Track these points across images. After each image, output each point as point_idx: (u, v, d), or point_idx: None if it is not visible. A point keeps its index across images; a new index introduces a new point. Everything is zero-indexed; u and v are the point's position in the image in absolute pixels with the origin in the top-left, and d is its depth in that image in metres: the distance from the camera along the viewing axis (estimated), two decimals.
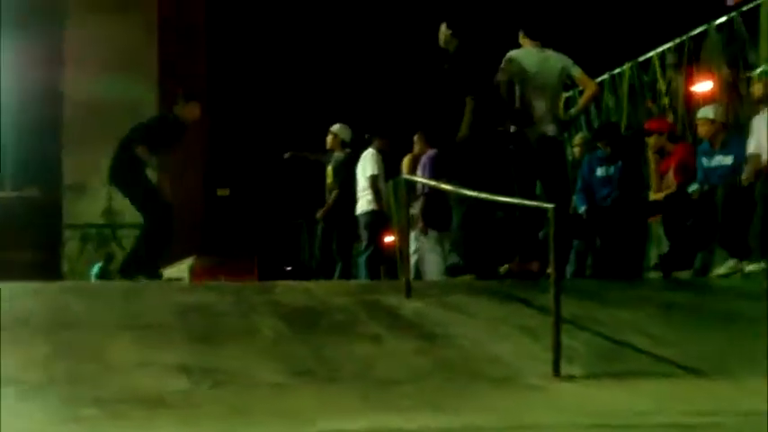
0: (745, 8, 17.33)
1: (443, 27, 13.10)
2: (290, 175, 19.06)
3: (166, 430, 6.79)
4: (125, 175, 13.99)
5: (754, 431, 6.58)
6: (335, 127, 17.73)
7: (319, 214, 17.69)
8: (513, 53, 12.91)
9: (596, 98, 16.09)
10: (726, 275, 12.57)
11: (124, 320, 9.57)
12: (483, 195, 12.02)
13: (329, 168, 17.59)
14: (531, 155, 12.67)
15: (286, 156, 18.87)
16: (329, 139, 17.72)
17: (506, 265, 12.78)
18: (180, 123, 14.18)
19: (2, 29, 24.85)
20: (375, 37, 43.51)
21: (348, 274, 17.31)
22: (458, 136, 12.92)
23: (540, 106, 12.76)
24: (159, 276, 14.25)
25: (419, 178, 14.84)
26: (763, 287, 11.86)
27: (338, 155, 17.53)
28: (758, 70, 13.25)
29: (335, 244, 17.45)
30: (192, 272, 19.62)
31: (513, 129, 12.82)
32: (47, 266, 23.52)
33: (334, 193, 17.31)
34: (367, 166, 16.89)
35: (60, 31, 26.30)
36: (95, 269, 24.28)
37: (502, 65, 12.81)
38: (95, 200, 25.79)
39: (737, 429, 6.68)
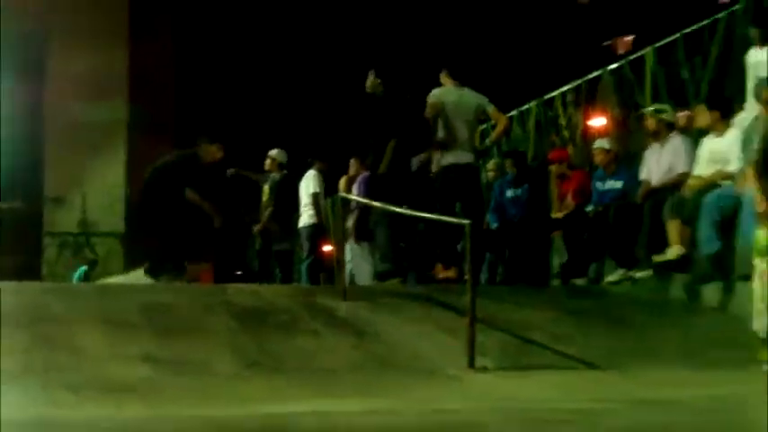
0: (632, 57, 17.46)
1: (371, 75, 13.14)
2: (240, 194, 18.93)
3: (133, 413, 6.71)
4: (156, 206, 13.77)
5: (641, 416, 6.60)
6: (273, 152, 17.66)
7: (257, 229, 17.63)
8: (436, 91, 12.94)
9: (507, 131, 16.15)
10: (616, 282, 12.63)
11: (96, 317, 9.45)
12: (409, 212, 12.04)
13: (266, 187, 17.52)
14: (451, 179, 12.70)
15: (229, 172, 18.78)
16: (268, 161, 17.64)
17: (429, 273, 12.80)
18: (200, 163, 13.96)
19: None
20: (318, 79, 43.85)
21: (286, 278, 17.28)
22: (379, 171, 13.01)
23: (459, 137, 12.80)
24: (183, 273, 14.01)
25: (353, 196, 14.80)
26: (648, 292, 11.99)
27: (275, 175, 17.46)
28: (651, 108, 13.31)
29: (273, 254, 17.43)
30: None
31: (438, 156, 12.83)
32: (28, 269, 23.23)
33: (269, 210, 17.25)
34: (310, 184, 16.88)
35: (42, 55, 26.02)
36: (80, 271, 24.08)
37: (428, 100, 12.83)
38: (72, 211, 25.53)
39: (627, 414, 6.69)
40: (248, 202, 18.51)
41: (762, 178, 9.24)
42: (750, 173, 9.50)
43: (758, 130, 9.59)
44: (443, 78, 13.13)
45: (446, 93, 12.96)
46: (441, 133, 12.79)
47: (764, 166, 9.26)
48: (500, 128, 13.82)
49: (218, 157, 14.11)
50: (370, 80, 13.20)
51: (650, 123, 12.88)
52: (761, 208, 9.05)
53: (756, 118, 10.74)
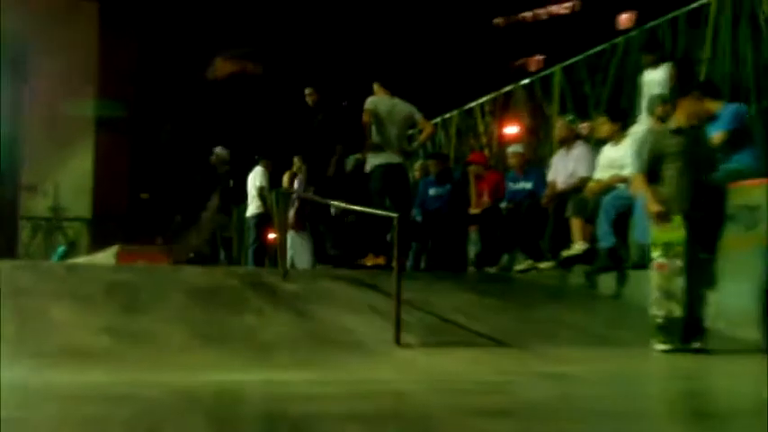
0: (542, 74, 17.57)
1: (309, 90, 13.25)
2: (192, 186, 18.92)
3: (94, 377, 6.65)
4: None
5: (544, 387, 6.61)
6: (217, 149, 17.69)
7: (206, 218, 17.57)
8: (372, 99, 12.92)
9: (432, 136, 16.18)
10: (524, 271, 12.67)
11: (65, 292, 9.34)
12: (344, 206, 12.02)
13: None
14: (383, 176, 12.71)
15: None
16: (213, 158, 17.67)
17: (361, 260, 12.78)
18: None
19: None
20: (265, 87, 43.83)
21: (230, 259, 17.29)
22: (328, 173, 13.06)
23: (391, 140, 12.80)
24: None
25: (295, 190, 14.73)
26: (552, 280, 12.05)
27: (220, 171, 17.47)
28: (569, 117, 13.47)
29: (219, 238, 17.40)
30: (118, 256, 19.30)
31: (372, 156, 12.83)
32: (5, 249, 23.13)
33: (215, 203, 17.23)
34: (257, 179, 16.89)
35: (23, 61, 25.93)
36: (60, 250, 23.92)
37: (365, 107, 12.82)
38: (44, 198, 25.51)
39: (531, 385, 6.70)
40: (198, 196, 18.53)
41: (651, 184, 9.34)
42: (640, 178, 9.58)
43: (648, 142, 9.67)
44: (377, 89, 13.12)
45: (380, 101, 12.94)
46: (375, 137, 12.78)
47: (652, 173, 9.36)
48: (426, 133, 13.89)
49: (226, 71, 13.94)
50: (309, 95, 13.30)
51: (562, 131, 12.97)
52: (653, 209, 9.13)
53: (648, 130, 10.82)
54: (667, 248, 9.04)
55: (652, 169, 9.34)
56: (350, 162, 13.76)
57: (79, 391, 6.01)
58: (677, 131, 9.39)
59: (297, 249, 15.59)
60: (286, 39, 45.27)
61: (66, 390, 6.05)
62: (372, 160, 12.83)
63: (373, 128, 12.79)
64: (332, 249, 13.83)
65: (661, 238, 9.09)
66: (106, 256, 19.75)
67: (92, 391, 5.97)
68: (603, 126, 12.15)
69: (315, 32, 45.37)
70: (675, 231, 9.10)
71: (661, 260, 9.05)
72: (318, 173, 13.54)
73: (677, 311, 8.94)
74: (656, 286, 9.02)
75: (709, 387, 7.01)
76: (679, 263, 9.03)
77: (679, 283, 9.02)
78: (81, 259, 20.62)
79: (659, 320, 8.93)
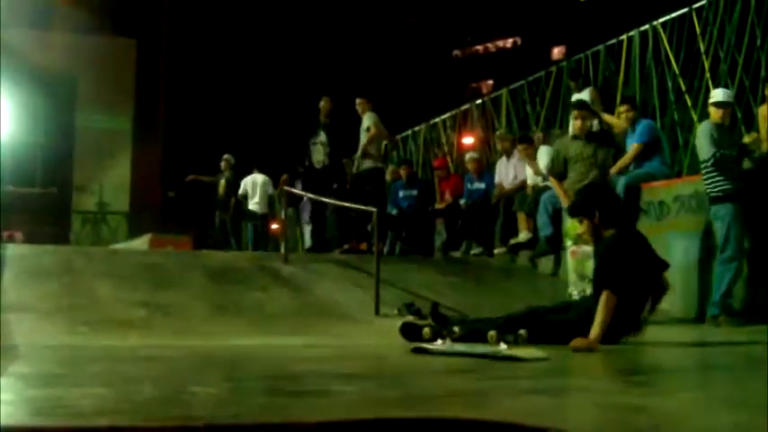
0: (492, 95, 17.60)
1: (325, 98, 13.18)
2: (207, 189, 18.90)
3: (131, 341, 6.60)
4: None
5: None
6: (226, 156, 17.79)
7: (229, 214, 17.47)
8: (376, 117, 12.86)
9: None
10: (478, 255, 12.65)
11: (107, 272, 9.28)
12: (334, 202, 11.97)
13: (222, 182, 17.45)
14: (369, 177, 12.71)
15: (187, 179, 18.71)
16: (223, 163, 17.70)
17: (346, 245, 12.73)
18: None
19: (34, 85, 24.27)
20: (272, 102, 43.78)
21: (239, 246, 17.28)
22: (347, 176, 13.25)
23: (378, 150, 12.88)
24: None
25: (293, 189, 14.62)
26: (502, 262, 12.03)
27: (228, 174, 17.53)
28: (499, 132, 13.62)
29: (231, 229, 17.38)
30: (151, 243, 19.17)
31: (363, 160, 12.80)
32: (60, 237, 23.06)
33: (233, 200, 17.19)
34: (268, 188, 17.06)
35: (73, 87, 25.94)
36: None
37: (378, 122, 12.78)
38: (92, 196, 25.48)
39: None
40: (208, 195, 18.53)
41: (559, 182, 9.34)
42: (552, 179, 9.56)
43: (555, 148, 9.74)
44: (365, 104, 13.04)
45: (379, 119, 12.94)
46: (370, 148, 12.77)
47: (557, 173, 9.36)
48: (392, 144, 14.08)
49: None
50: (325, 104, 13.17)
51: (500, 144, 13.02)
52: (565, 204, 9.13)
53: (558, 140, 10.78)
54: (578, 238, 9.00)
55: (557, 171, 9.34)
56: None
57: (118, 352, 5.94)
58: (575, 138, 9.44)
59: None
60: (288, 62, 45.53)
61: (107, 351, 5.98)
62: (366, 164, 12.81)
63: (365, 139, 12.80)
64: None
65: (573, 228, 9.04)
66: (141, 243, 19.59)
67: (128, 352, 5.90)
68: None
69: (317, 57, 45.73)
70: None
71: (573, 248, 9.05)
72: (316, 176, 13.43)
73: (589, 289, 8.92)
74: (571, 269, 9.03)
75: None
76: (588, 249, 9.00)
77: (590, 265, 9.00)
78: (120, 245, 20.48)
79: (575, 297, 8.92)
